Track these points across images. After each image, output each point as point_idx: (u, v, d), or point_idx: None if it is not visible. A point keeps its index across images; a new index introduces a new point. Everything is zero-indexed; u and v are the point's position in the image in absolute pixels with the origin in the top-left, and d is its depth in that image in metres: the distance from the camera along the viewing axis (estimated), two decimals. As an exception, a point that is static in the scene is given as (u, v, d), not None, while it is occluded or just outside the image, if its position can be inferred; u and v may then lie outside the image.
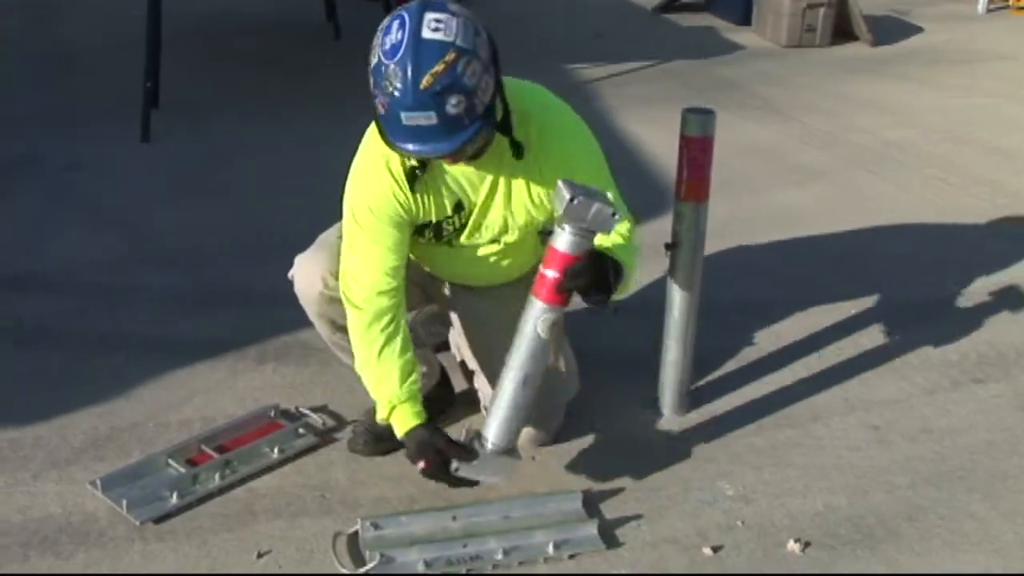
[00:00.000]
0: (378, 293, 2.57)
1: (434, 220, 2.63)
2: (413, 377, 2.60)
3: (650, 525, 2.69)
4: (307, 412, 3.10)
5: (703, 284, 3.04)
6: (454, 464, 2.53)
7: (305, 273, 2.77)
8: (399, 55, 2.22)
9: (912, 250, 4.30)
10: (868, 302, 3.84)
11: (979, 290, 3.93)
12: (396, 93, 2.24)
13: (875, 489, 2.83)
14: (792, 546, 2.61)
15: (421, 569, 2.50)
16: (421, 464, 2.56)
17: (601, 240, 2.51)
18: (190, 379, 3.31)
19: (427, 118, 2.26)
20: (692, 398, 3.18)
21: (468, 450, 2.53)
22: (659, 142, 5.30)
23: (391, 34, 2.25)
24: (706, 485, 2.84)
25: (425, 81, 2.20)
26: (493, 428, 2.53)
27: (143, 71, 5.50)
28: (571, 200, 2.27)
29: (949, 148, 5.49)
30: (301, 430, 3.01)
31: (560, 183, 2.33)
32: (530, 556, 2.56)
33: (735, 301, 3.79)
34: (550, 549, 2.56)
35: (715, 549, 2.60)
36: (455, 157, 2.41)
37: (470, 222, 2.65)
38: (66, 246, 4.23)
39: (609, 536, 2.63)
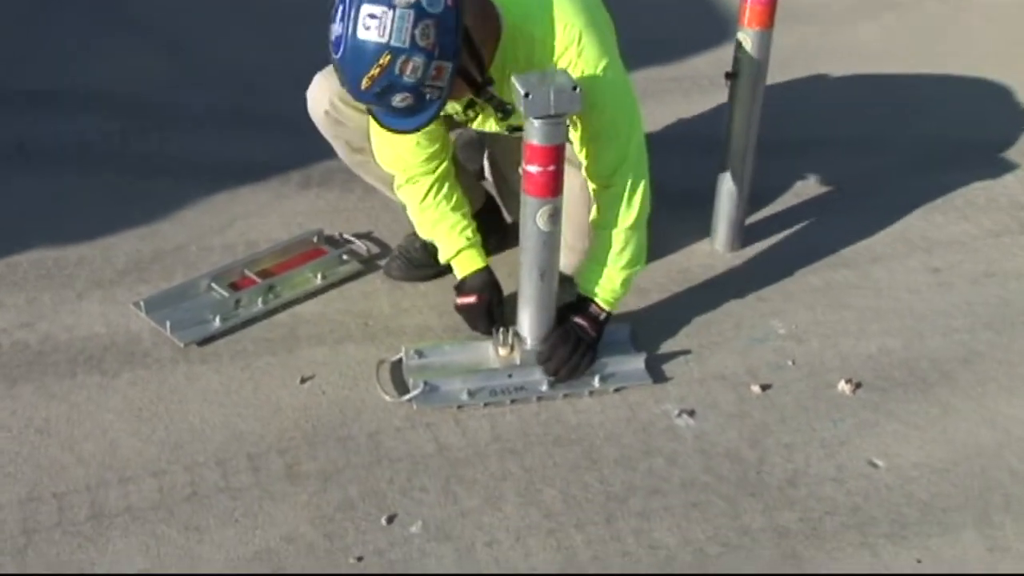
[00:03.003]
0: (418, 164, 2.61)
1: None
2: (473, 226, 2.69)
3: (699, 361, 2.67)
4: (351, 239, 3.08)
5: (762, 117, 2.93)
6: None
7: (315, 93, 2.73)
8: (339, 53, 2.14)
9: (985, 88, 4.12)
10: (935, 142, 3.71)
11: (1055, 131, 3.78)
12: (345, 86, 2.21)
13: (932, 332, 2.78)
14: (843, 387, 2.58)
15: (464, 398, 2.51)
16: (472, 299, 2.63)
17: (585, 268, 2.59)
18: (233, 203, 3.29)
19: (378, 109, 2.27)
20: (747, 234, 3.12)
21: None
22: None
23: (335, 23, 2.14)
24: (758, 323, 2.80)
25: (363, 84, 2.15)
26: (527, 326, 2.57)
27: None
28: (526, 95, 2.22)
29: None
30: (345, 256, 2.99)
31: (513, 80, 2.26)
32: (575, 389, 2.55)
33: (795, 136, 3.67)
34: (596, 382, 2.56)
35: (764, 387, 2.58)
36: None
37: (483, 119, 2.62)
38: (108, 64, 4.16)
39: (656, 371, 2.62)
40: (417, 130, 2.32)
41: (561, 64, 2.36)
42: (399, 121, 2.28)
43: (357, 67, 2.13)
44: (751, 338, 2.75)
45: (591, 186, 2.56)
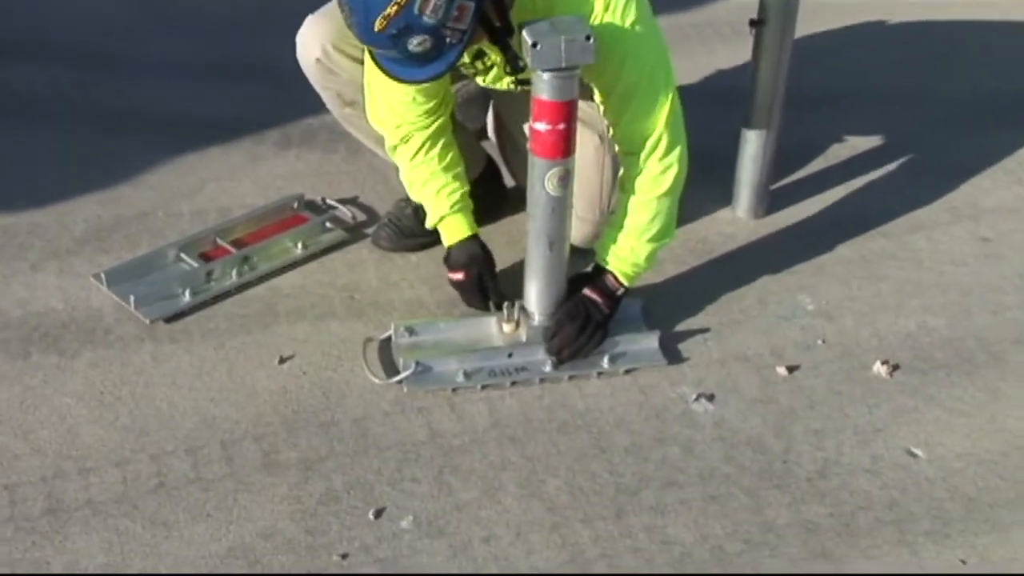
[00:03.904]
0: (414, 118, 2.58)
1: None
2: (464, 190, 2.68)
3: (718, 340, 2.66)
4: (335, 204, 3.08)
5: (790, 69, 2.92)
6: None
7: (306, 38, 2.72)
8: None
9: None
10: (984, 96, 3.70)
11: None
12: (354, 28, 2.16)
13: (980, 309, 2.78)
14: (878, 368, 2.58)
15: (460, 380, 2.50)
16: (460, 275, 2.64)
17: (604, 236, 2.57)
18: (204, 164, 3.28)
19: (390, 55, 2.21)
20: (772, 199, 3.11)
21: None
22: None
23: None
24: (784, 298, 2.80)
25: (378, 24, 2.11)
26: (534, 300, 2.57)
27: None
28: (535, 45, 2.20)
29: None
30: (328, 224, 2.99)
31: (524, 30, 2.23)
32: (582, 370, 2.55)
33: (826, 91, 3.67)
34: (605, 363, 2.55)
35: (791, 369, 2.58)
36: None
37: (491, 74, 2.59)
38: (66, 6, 4.15)
39: (671, 351, 2.61)
40: (431, 79, 2.29)
41: (587, 17, 2.32)
42: (410, 70, 2.24)
43: (371, 5, 2.09)
44: (777, 315, 2.75)
45: (618, 149, 2.54)
